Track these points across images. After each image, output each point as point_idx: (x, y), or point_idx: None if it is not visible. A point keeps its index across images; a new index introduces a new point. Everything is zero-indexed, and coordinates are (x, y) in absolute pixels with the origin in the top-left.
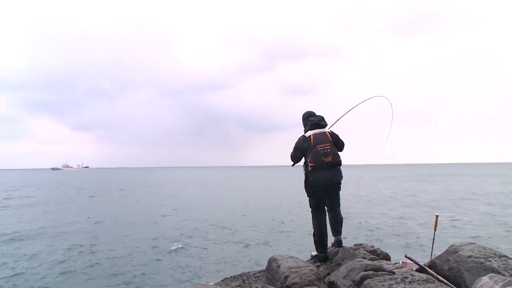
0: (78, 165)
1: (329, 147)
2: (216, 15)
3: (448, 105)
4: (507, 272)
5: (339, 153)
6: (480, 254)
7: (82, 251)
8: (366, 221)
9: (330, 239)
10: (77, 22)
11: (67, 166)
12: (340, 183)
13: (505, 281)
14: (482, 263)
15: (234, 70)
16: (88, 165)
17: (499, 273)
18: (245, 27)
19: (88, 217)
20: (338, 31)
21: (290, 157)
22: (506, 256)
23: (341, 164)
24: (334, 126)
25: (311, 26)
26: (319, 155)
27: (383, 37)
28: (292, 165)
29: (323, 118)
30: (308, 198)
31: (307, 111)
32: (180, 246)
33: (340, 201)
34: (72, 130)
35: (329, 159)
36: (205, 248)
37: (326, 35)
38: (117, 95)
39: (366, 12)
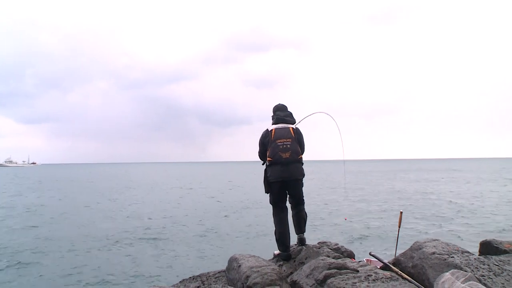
0: (24, 161)
1: (289, 142)
2: (181, 6)
3: (420, 98)
4: (469, 267)
5: (300, 150)
6: (444, 251)
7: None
8: (330, 219)
9: (294, 237)
10: (26, 10)
11: (11, 162)
12: (301, 180)
13: (466, 276)
14: (445, 259)
15: (198, 61)
16: (35, 161)
17: (461, 269)
18: (210, 17)
19: None
20: (308, 21)
21: (258, 154)
22: (468, 252)
23: (301, 162)
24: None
25: (279, 15)
26: (277, 150)
27: (354, 27)
28: (263, 164)
29: (290, 114)
30: (267, 194)
31: (277, 105)
32: (135, 246)
33: (304, 198)
34: (18, 123)
35: (287, 155)
36: (161, 249)
37: (294, 25)
38: (71, 87)
39: (336, 2)
